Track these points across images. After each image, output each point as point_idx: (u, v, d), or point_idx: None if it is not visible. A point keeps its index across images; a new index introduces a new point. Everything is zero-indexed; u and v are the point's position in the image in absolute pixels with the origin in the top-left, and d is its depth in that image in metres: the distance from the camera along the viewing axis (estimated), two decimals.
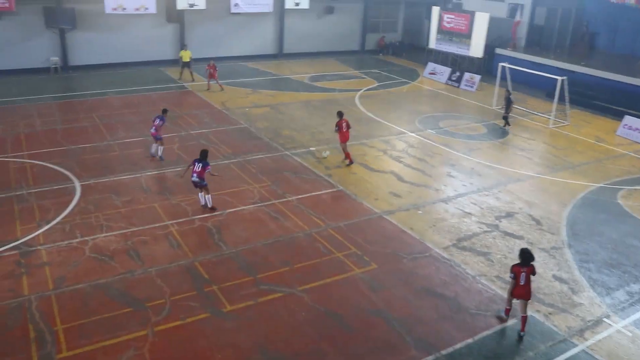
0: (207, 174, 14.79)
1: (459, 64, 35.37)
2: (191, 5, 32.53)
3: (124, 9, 30.65)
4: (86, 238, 13.44)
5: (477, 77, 31.52)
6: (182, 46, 31.50)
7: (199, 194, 15.26)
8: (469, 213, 15.78)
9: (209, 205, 15.11)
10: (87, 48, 31.76)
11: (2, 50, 29.58)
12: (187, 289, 11.61)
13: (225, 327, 10.53)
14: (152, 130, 18.33)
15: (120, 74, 31.00)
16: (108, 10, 30.28)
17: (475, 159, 20.12)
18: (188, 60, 30.22)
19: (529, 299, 10.75)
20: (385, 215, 15.41)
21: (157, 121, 18.27)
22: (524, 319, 10.68)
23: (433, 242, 14.05)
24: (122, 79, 29.88)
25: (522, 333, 10.69)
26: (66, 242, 13.25)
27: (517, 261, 10.78)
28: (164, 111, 18.97)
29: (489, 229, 14.89)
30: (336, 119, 18.79)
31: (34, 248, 12.95)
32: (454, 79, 32.66)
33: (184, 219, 14.63)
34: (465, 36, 34.56)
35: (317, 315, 10.98)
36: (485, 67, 34.52)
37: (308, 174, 18.02)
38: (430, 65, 35.00)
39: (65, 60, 31.33)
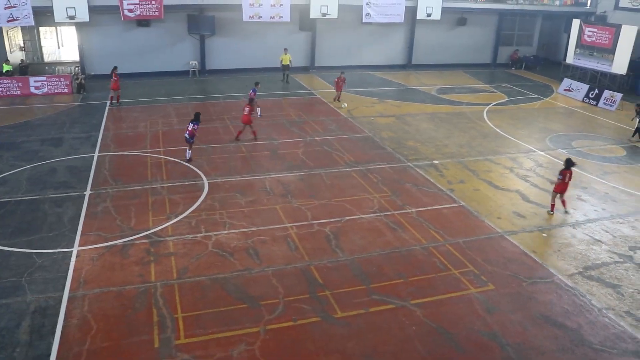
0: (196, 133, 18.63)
1: (598, 81, 33.25)
2: (324, 15, 33.27)
3: (260, 17, 32.00)
4: (210, 233, 14.14)
5: (618, 96, 29.39)
6: (283, 50, 32.11)
7: (187, 150, 18.80)
8: (599, 240, 14.74)
9: (188, 157, 18.82)
10: (223, 53, 33.59)
11: (149, 54, 32.07)
12: (300, 291, 11.84)
13: (335, 333, 10.60)
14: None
15: (252, 79, 32.29)
16: (245, 18, 31.76)
17: (610, 183, 18.79)
18: (287, 63, 31.42)
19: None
20: (507, 235, 14.80)
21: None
22: (564, 202, 16.03)
23: (557, 268, 13.28)
24: (254, 84, 31.10)
25: (566, 210, 16.00)
26: (191, 235, 14.02)
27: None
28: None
29: (621, 260, 13.82)
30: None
31: (162, 238, 13.83)
32: (592, 96, 30.72)
33: (303, 223, 14.96)
34: (608, 51, 32.44)
35: (427, 331, 10.76)
36: (629, 84, 32.17)
37: (429, 187, 17.74)
38: (567, 82, 33.17)
39: (203, 64, 33.28)
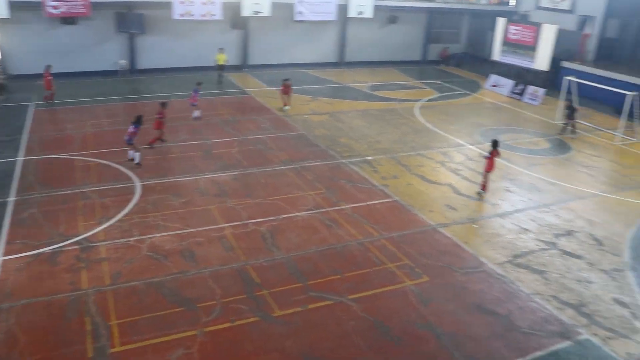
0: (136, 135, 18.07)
1: (523, 77, 34.56)
2: (256, 13, 33.07)
3: (192, 15, 31.48)
4: (143, 237, 13.84)
5: (542, 91, 30.68)
6: (218, 49, 31.55)
7: (129, 151, 18.36)
8: (527, 229, 15.36)
9: (136, 161, 18.29)
10: (154, 52, 32.82)
11: (76, 53, 30.91)
12: (237, 292, 11.77)
13: (273, 332, 10.60)
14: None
15: (184, 78, 31.82)
16: (176, 16, 31.17)
17: (535, 174, 19.59)
18: (223, 63, 31.05)
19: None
20: (440, 228, 15.19)
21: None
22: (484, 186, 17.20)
23: (487, 257, 13.75)
24: (186, 83, 30.62)
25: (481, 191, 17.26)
26: (124, 239, 13.68)
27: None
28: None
29: (547, 247, 14.45)
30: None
31: (94, 244, 13.43)
32: (517, 92, 31.93)
33: (238, 222, 14.86)
34: (530, 48, 33.74)
35: (365, 325, 10.92)
36: (551, 80, 33.60)
37: (364, 183, 17.97)
38: (493, 78, 34.33)
39: (133, 63, 32.46)
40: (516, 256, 13.89)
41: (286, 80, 26.51)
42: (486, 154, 17.43)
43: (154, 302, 11.29)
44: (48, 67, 25.21)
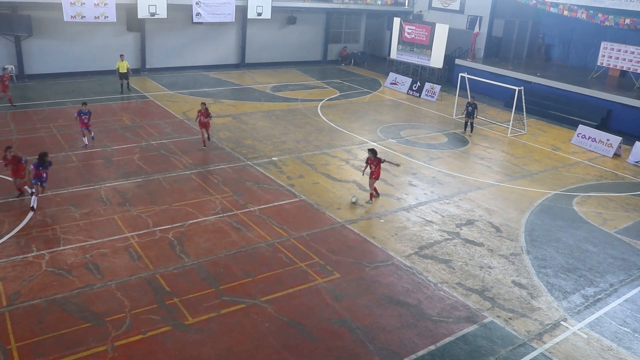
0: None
1: (419, 75, 35.89)
2: (152, 14, 32.19)
3: (83, 17, 30.11)
4: (42, 252, 13.11)
5: (438, 87, 32.00)
6: (120, 56, 29.35)
7: (33, 197, 15.19)
8: (431, 221, 15.97)
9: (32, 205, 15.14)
10: (45, 56, 31.10)
11: None
12: (148, 302, 11.42)
13: (188, 340, 10.39)
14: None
15: (79, 83, 30.46)
16: (67, 18, 29.70)
17: (436, 167, 20.40)
18: (125, 71, 28.90)
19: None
20: (348, 224, 15.47)
21: (32, 168, 15.33)
22: (372, 194, 17.00)
23: (395, 250, 14.17)
24: (81, 89, 29.34)
25: (370, 201, 16.90)
26: (21, 256, 12.89)
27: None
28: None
29: (450, 237, 15.10)
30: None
31: None
32: (415, 89, 33.09)
33: (144, 231, 14.42)
34: (426, 47, 35.13)
35: (280, 325, 10.94)
36: (446, 77, 35.14)
37: (270, 184, 17.98)
38: (392, 76, 35.39)
39: (21, 68, 30.60)
40: (422, 247, 14.41)
41: (203, 104, 21.07)
42: (367, 163, 16.97)
43: (58, 320, 10.72)
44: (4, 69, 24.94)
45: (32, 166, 15.21)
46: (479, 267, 13.62)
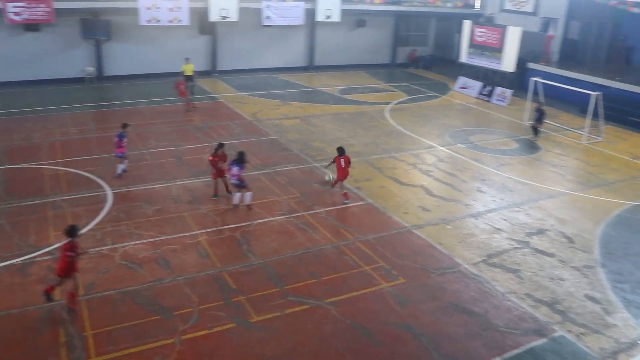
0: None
1: (490, 78, 35.10)
2: (223, 18, 32.94)
3: (158, 20, 31.22)
4: (116, 245, 13.62)
5: (509, 92, 31.21)
6: (185, 59, 29.05)
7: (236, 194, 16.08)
8: (499, 229, 15.57)
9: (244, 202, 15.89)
10: (122, 59, 32.42)
11: (41, 61, 30.35)
12: (214, 299, 11.66)
13: (252, 337, 10.53)
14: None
15: (152, 85, 31.53)
16: (142, 22, 30.86)
17: (506, 174, 19.88)
18: (191, 74, 28.76)
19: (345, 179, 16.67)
20: (414, 229, 15.30)
21: (116, 139, 17.43)
22: (346, 195, 16.77)
23: (462, 257, 13.89)
24: (154, 90, 30.37)
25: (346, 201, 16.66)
26: (97, 249, 13.45)
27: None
28: (124, 126, 17.92)
29: (519, 246, 14.66)
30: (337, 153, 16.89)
31: None
32: (485, 93, 32.40)
33: (213, 229, 14.75)
34: (497, 50, 34.30)
35: (343, 328, 10.92)
36: (517, 81, 34.20)
37: (337, 186, 17.97)
38: (461, 79, 34.78)
39: (100, 70, 32.00)
40: (490, 256, 14.06)
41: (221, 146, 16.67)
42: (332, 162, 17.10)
43: (130, 311, 11.11)
44: None
45: (229, 165, 15.82)
46: (549, 278, 13.16)
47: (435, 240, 14.67)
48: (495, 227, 15.65)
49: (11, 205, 15.67)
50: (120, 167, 17.70)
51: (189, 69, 29.05)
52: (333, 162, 17.03)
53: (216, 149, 16.40)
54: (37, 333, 10.40)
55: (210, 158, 16.46)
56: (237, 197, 15.99)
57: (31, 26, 29.30)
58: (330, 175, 17.74)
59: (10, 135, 21.90)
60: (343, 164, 16.60)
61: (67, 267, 10.79)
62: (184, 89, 26.40)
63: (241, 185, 15.81)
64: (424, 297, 12.10)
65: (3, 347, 10.00)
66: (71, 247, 10.80)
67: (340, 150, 16.78)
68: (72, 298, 11.05)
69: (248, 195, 15.93)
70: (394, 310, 11.58)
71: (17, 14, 27.91)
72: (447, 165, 20.44)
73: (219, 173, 16.39)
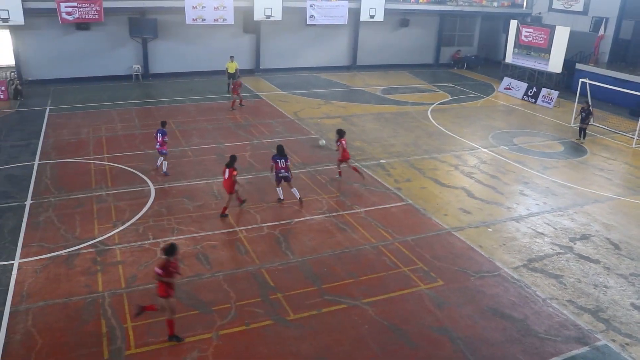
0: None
1: (536, 79, 34.38)
2: (268, 17, 33.19)
3: (204, 19, 31.68)
4: (158, 240, 13.89)
5: (555, 93, 30.51)
6: (230, 57, 29.76)
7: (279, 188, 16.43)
8: (542, 233, 15.24)
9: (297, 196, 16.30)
10: (167, 57, 33.03)
11: (90, 58, 31.19)
12: (252, 295, 11.77)
13: (288, 335, 10.59)
14: (157, 146, 17.79)
15: (197, 82, 31.99)
16: (189, 21, 31.37)
17: (550, 177, 19.45)
18: (234, 72, 29.16)
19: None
20: (454, 231, 15.11)
21: (159, 136, 17.75)
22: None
23: (502, 261, 13.65)
24: (198, 87, 30.84)
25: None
26: (139, 242, 13.74)
27: None
28: (163, 124, 18.28)
29: (563, 251, 14.32)
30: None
31: (109, 247, 13.50)
32: (530, 94, 31.75)
33: (252, 226, 14.88)
34: (544, 51, 33.58)
35: (380, 328, 10.88)
36: (565, 83, 33.41)
37: (377, 186, 17.93)
38: (506, 80, 34.17)
39: (146, 68, 32.67)
40: (531, 260, 13.78)
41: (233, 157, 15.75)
42: (337, 144, 18.03)
43: None
44: None
45: (273, 160, 16.07)
46: (593, 285, 12.82)
47: (475, 243, 14.46)
48: (537, 232, 15.32)
49: (58, 198, 16.15)
50: (165, 164, 18.03)
51: (232, 67, 29.52)
52: (338, 144, 17.91)
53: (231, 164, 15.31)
54: (81, 322, 10.69)
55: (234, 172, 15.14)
56: (295, 192, 16.27)
57: (82, 25, 30.16)
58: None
59: (60, 130, 22.58)
60: (345, 146, 17.89)
61: (160, 287, 10.00)
62: (236, 87, 26.66)
63: (289, 179, 16.18)
64: (463, 300, 11.94)
65: (48, 334, 10.32)
66: (163, 266, 9.89)
67: (341, 132, 18.00)
68: (170, 325, 10.26)
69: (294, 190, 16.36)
70: (431, 312, 11.47)
71: (69, 13, 28.72)
72: (489, 168, 20.12)
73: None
